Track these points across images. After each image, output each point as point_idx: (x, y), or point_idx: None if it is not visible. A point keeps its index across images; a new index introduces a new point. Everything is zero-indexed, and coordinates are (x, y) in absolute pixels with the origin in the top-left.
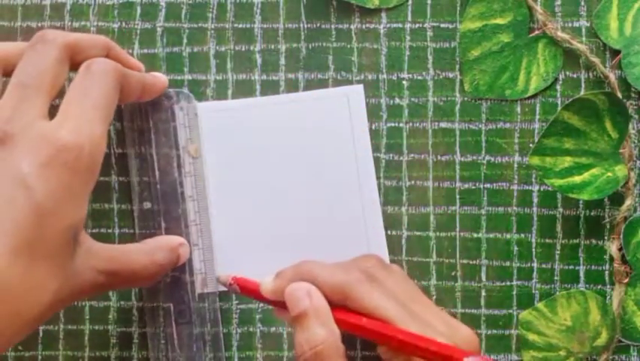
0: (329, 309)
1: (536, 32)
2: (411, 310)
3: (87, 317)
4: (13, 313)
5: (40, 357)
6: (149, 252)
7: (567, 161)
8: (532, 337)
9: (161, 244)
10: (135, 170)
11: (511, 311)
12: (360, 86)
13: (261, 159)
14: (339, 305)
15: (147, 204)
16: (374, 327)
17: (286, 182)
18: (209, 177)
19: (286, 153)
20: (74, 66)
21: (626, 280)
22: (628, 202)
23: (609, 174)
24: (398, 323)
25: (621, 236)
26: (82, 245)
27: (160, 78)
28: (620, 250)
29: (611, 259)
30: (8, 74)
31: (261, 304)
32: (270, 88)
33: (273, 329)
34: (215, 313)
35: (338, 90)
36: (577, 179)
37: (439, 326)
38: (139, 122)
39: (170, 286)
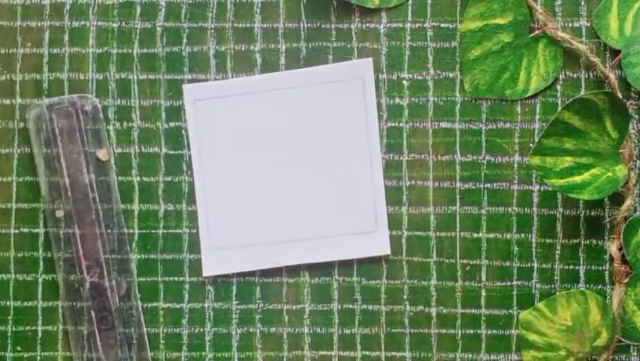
0: None
1: (536, 32)
2: None
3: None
4: None
5: (39, 358)
6: None
7: (567, 161)
8: (532, 337)
9: None
10: (44, 178)
11: (511, 311)
12: (369, 60)
13: (257, 140)
14: None
15: (60, 213)
16: None
17: (289, 155)
18: (210, 162)
19: (291, 130)
20: None
21: (626, 280)
22: (628, 202)
23: (609, 174)
24: None
25: (621, 236)
26: None
27: None
28: (620, 249)
29: (611, 259)
30: None
31: (262, 304)
32: None
33: (273, 330)
34: (139, 314)
35: (345, 65)
36: (577, 179)
37: None
38: (43, 132)
39: (90, 291)
